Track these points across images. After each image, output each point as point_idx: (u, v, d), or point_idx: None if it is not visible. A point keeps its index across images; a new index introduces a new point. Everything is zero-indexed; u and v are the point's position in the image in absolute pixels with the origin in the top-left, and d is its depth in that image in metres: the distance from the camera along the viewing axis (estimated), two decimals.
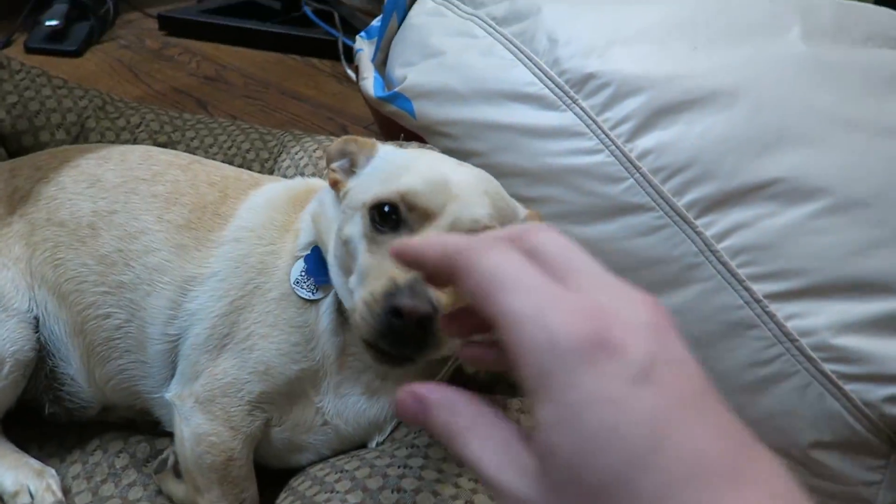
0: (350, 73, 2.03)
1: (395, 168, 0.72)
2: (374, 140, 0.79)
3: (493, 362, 0.38)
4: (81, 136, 1.14)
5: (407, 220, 0.66)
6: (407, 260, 0.39)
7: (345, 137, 0.80)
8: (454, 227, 0.65)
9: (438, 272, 0.37)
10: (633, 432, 0.28)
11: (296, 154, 1.17)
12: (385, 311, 0.59)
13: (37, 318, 0.81)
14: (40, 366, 0.82)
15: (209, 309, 0.78)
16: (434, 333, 0.59)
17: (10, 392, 0.81)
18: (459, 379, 0.89)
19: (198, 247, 0.81)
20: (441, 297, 0.60)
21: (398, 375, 0.79)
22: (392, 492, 0.70)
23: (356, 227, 0.69)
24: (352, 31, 2.15)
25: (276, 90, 1.97)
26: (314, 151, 1.15)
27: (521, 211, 0.76)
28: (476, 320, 0.39)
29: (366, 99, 1.32)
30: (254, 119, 1.79)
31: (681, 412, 0.29)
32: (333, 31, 2.15)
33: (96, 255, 0.81)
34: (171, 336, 0.80)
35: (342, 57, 2.09)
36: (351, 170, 0.78)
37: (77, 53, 1.96)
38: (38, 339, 0.82)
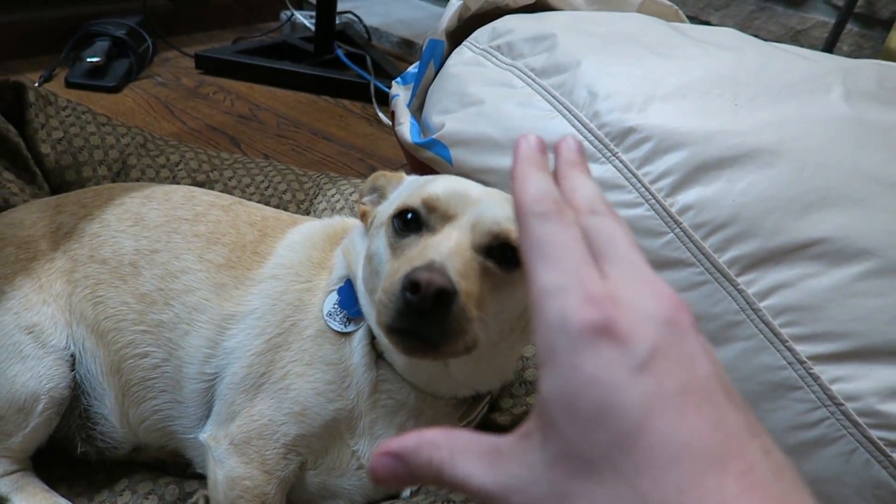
0: (381, 115, 2.06)
1: (419, 184, 0.75)
2: (402, 173, 0.81)
3: (415, 462, 0.36)
4: (123, 172, 1.16)
5: (427, 222, 0.67)
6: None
7: (375, 174, 0.82)
8: (475, 227, 0.65)
9: None
10: (623, 414, 0.30)
11: (332, 196, 1.18)
12: (402, 288, 0.59)
13: (73, 356, 0.81)
14: (74, 404, 0.82)
15: (246, 347, 0.78)
16: (454, 314, 0.58)
17: (42, 429, 0.80)
18: (492, 429, 0.88)
19: (237, 285, 0.81)
20: (463, 281, 0.59)
21: (430, 416, 0.78)
22: None
23: (380, 241, 0.71)
24: (383, 75, 2.19)
25: (308, 130, 2.00)
26: (350, 195, 1.16)
27: None
28: None
29: (401, 144, 1.33)
30: (286, 158, 1.81)
31: (674, 402, 0.30)
32: (365, 75, 2.18)
33: (137, 294, 0.82)
34: (207, 375, 0.79)
35: (374, 99, 2.12)
36: (380, 201, 0.80)
37: (116, 89, 2.00)
38: (74, 377, 0.81)
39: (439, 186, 0.70)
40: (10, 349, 0.78)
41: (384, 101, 2.09)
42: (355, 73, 2.21)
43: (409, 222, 0.69)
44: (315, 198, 1.20)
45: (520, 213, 0.38)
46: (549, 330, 0.33)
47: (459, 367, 0.73)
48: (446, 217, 0.68)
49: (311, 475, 0.78)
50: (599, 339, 0.32)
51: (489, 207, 0.68)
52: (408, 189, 0.76)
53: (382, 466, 0.35)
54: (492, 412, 0.87)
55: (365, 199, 0.81)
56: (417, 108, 1.43)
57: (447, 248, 0.63)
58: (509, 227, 0.67)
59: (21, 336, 0.78)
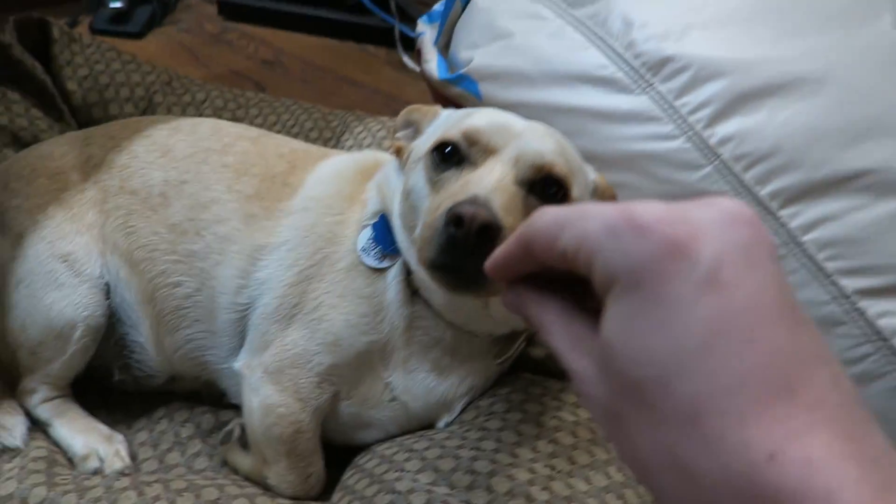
0: (407, 60, 2.03)
1: (458, 117, 0.73)
2: (438, 107, 0.79)
3: (528, 312, 0.39)
4: (149, 110, 1.15)
5: (468, 156, 0.66)
6: (499, 270, 0.39)
7: (409, 108, 0.80)
8: (518, 161, 0.64)
9: (524, 262, 0.37)
10: (683, 334, 0.28)
11: (359, 134, 1.16)
12: (445, 223, 0.58)
13: (108, 285, 0.82)
14: (110, 333, 0.83)
15: (278, 278, 0.77)
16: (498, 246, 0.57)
17: (80, 357, 0.81)
18: (529, 364, 0.87)
19: (267, 216, 0.80)
20: (507, 216, 0.58)
21: (466, 353, 0.78)
22: (465, 473, 0.68)
23: (418, 176, 0.69)
24: (407, 19, 2.14)
25: (333, 76, 1.97)
26: (378, 132, 1.14)
27: (591, 173, 0.75)
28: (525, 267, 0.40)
29: (428, 82, 1.30)
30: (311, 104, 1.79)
31: (742, 321, 0.28)
32: (389, 19, 2.14)
33: (167, 224, 0.81)
34: (240, 305, 0.79)
35: (398, 44, 2.08)
36: (415, 136, 0.78)
37: (139, 36, 1.98)
38: (109, 305, 0.82)
39: (481, 118, 0.68)
40: (45, 277, 0.78)
41: (409, 46, 2.04)
42: (379, 17, 2.17)
43: (449, 156, 0.67)
44: (342, 136, 1.18)
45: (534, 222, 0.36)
46: (607, 255, 0.31)
47: (499, 305, 0.72)
48: (488, 150, 0.66)
49: (345, 405, 0.78)
50: (663, 254, 0.30)
51: (532, 140, 0.66)
52: (446, 122, 0.74)
53: (509, 300, 0.39)
54: (527, 346, 0.87)
55: (399, 134, 0.79)
56: (444, 46, 1.39)
57: (490, 183, 0.62)
58: (554, 159, 0.65)
59: (56, 264, 0.78)
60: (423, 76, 1.34)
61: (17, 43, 1.05)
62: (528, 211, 0.63)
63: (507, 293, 0.39)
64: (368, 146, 1.11)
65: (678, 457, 0.28)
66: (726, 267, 0.29)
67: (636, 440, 0.30)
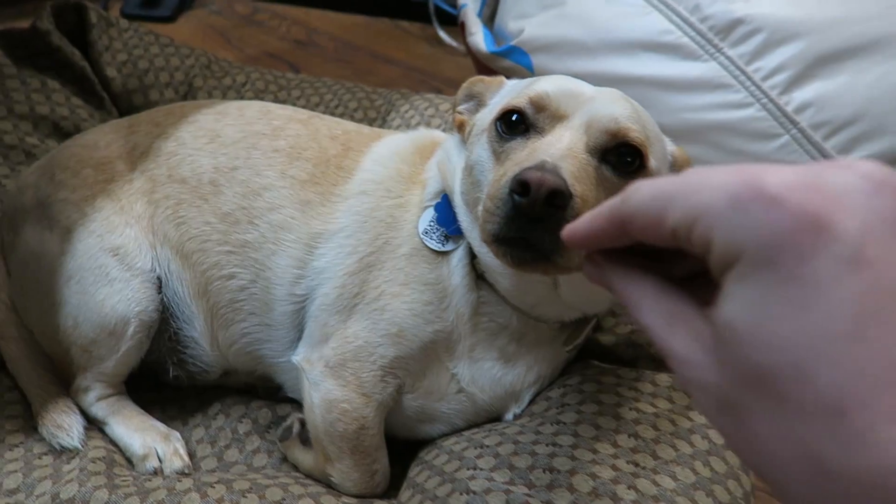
0: (443, 35, 1.96)
1: (524, 84, 0.68)
2: (502, 77, 0.75)
3: (614, 286, 0.37)
4: (190, 95, 1.12)
5: (536, 123, 0.62)
6: (580, 241, 0.37)
7: (470, 80, 0.75)
8: (590, 127, 0.59)
9: (613, 238, 0.35)
10: (826, 319, 0.25)
11: (405, 113, 1.11)
12: (510, 191, 0.54)
13: (160, 279, 0.79)
14: (164, 328, 0.80)
15: (338, 266, 0.74)
16: (568, 217, 0.52)
17: (134, 353, 0.79)
18: (597, 351, 0.83)
19: (323, 202, 0.76)
20: (577, 184, 0.54)
21: (533, 340, 0.74)
22: (543, 472, 0.64)
23: (482, 148, 0.65)
24: None
25: (367, 53, 1.92)
26: (425, 109, 1.09)
27: (669, 144, 0.69)
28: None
29: (474, 56, 1.25)
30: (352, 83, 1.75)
31: (893, 304, 0.25)
32: None
33: (219, 213, 0.78)
34: (297, 297, 0.76)
35: (433, 18, 2.01)
36: (477, 109, 0.73)
37: (171, 19, 1.95)
38: (162, 299, 0.79)
39: (548, 84, 0.64)
40: (96, 272, 0.75)
41: (444, 20, 1.98)
42: None
43: (515, 124, 0.63)
44: (388, 115, 1.14)
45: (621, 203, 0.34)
46: (729, 229, 0.28)
47: (570, 287, 0.67)
48: (556, 117, 0.61)
49: (409, 399, 0.74)
50: (799, 229, 0.27)
51: (606, 105, 0.61)
52: (511, 91, 0.69)
53: (591, 271, 0.38)
54: (595, 332, 0.82)
55: (460, 108, 0.74)
56: (488, 18, 1.33)
57: (559, 150, 0.57)
58: (629, 125, 0.60)
59: (106, 259, 0.76)
60: (468, 50, 1.29)
61: (56, 29, 1.02)
62: (600, 182, 0.58)
63: (589, 265, 0.37)
64: (416, 125, 1.06)
65: (813, 451, 0.25)
66: (873, 242, 0.26)
67: (759, 430, 0.28)
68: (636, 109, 0.64)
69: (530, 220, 0.54)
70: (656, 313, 0.33)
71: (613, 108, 0.61)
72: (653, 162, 0.62)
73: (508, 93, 0.70)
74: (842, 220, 0.26)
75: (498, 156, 0.63)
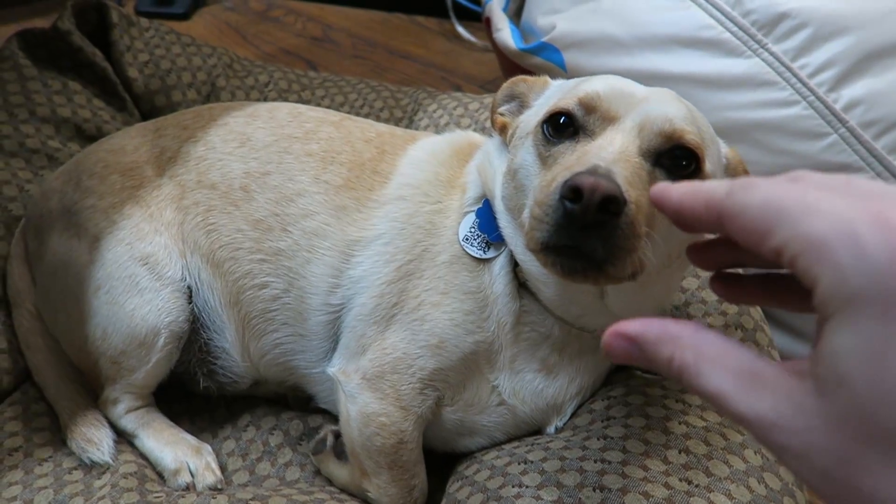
0: (461, 30, 1.93)
1: (572, 84, 0.65)
2: (546, 77, 0.72)
3: (637, 355, 0.34)
4: (213, 95, 1.09)
5: (585, 125, 0.59)
6: (666, 208, 0.35)
7: (512, 79, 0.72)
8: (643, 129, 0.57)
9: (701, 223, 0.33)
10: None
11: (433, 112, 1.08)
12: (560, 197, 0.51)
13: (190, 288, 0.76)
14: (194, 338, 0.78)
15: (375, 275, 0.71)
16: (623, 227, 0.50)
17: (164, 364, 0.76)
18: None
19: (359, 208, 0.74)
20: (631, 190, 0.51)
21: (575, 350, 0.71)
22: (594, 490, 0.61)
23: (527, 152, 0.63)
24: None
25: (384, 50, 1.89)
26: (454, 109, 1.06)
27: (723, 146, 0.66)
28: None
29: (501, 52, 1.22)
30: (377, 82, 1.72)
31: None
32: None
33: (251, 220, 0.75)
34: (333, 306, 0.73)
35: (451, 13, 1.98)
36: (520, 110, 0.70)
37: (185, 16, 1.93)
38: (192, 309, 0.76)
39: (599, 84, 0.61)
40: (126, 282, 0.73)
41: (462, 14, 1.95)
42: None
43: (563, 127, 0.60)
44: (415, 115, 1.11)
45: (723, 200, 0.32)
46: (841, 276, 0.26)
47: (618, 297, 0.65)
48: (608, 118, 0.58)
49: (449, 412, 0.72)
50: None
51: (659, 105, 0.58)
52: (559, 91, 0.66)
53: (617, 347, 0.34)
54: None
55: (502, 109, 0.71)
56: (515, 13, 1.30)
57: (611, 153, 0.55)
58: (684, 126, 0.57)
59: (136, 268, 0.73)
60: (494, 47, 1.26)
61: (77, 29, 1.00)
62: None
63: (616, 339, 0.34)
64: (446, 125, 1.04)
65: None
66: None
67: (880, 492, 0.25)
68: (690, 110, 0.61)
69: (582, 227, 0.51)
70: (724, 376, 0.29)
71: (667, 109, 0.58)
72: (708, 165, 0.59)
73: (555, 93, 0.67)
74: None
75: (544, 160, 0.60)
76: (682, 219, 0.34)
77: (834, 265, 0.26)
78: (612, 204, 0.50)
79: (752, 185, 0.30)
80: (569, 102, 0.59)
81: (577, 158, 0.56)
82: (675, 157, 0.58)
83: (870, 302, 0.25)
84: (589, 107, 0.59)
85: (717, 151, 0.63)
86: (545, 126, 0.61)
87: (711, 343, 0.31)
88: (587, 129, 0.59)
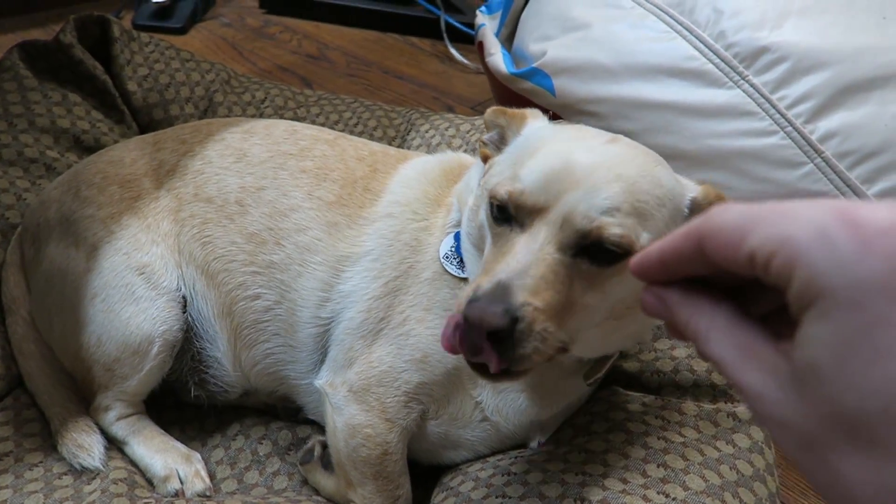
0: (454, 52, 1.97)
1: (526, 152, 0.61)
2: (524, 112, 0.69)
3: (678, 317, 0.36)
4: (210, 110, 1.12)
5: (517, 217, 0.57)
6: (653, 271, 0.36)
7: (494, 109, 0.71)
8: (565, 223, 0.54)
9: (682, 258, 0.34)
10: None
11: (426, 132, 1.11)
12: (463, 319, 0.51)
13: (185, 298, 0.78)
14: (186, 347, 0.79)
15: (363, 291, 0.73)
16: (517, 334, 0.50)
17: (156, 372, 0.78)
18: (622, 378, 0.82)
19: (350, 224, 0.76)
20: (534, 298, 0.51)
21: (557, 371, 0.72)
22: (575, 501, 0.63)
23: (484, 212, 0.62)
24: (453, 9, 2.08)
25: (379, 69, 1.93)
26: (446, 129, 1.09)
27: (690, 190, 0.61)
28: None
29: (493, 76, 1.25)
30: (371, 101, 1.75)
31: None
32: (435, 10, 2.08)
33: (245, 233, 0.77)
34: (322, 319, 0.75)
35: (445, 35, 2.02)
36: (500, 144, 0.69)
37: (182, 31, 1.95)
38: (186, 319, 0.78)
39: (531, 174, 0.57)
40: (122, 291, 0.75)
41: (455, 37, 1.99)
42: (423, 8, 2.11)
43: (501, 211, 0.58)
44: (407, 134, 1.13)
45: (697, 230, 0.33)
46: (814, 269, 0.27)
47: (583, 345, 0.62)
48: (535, 211, 0.56)
49: (433, 425, 0.73)
50: (889, 270, 0.26)
51: (587, 194, 0.55)
52: (519, 150, 0.64)
53: (650, 302, 0.37)
54: (619, 358, 0.82)
55: (485, 137, 0.71)
56: (507, 38, 1.34)
57: (520, 262, 0.53)
58: (603, 221, 0.54)
59: (133, 277, 0.75)
60: (486, 70, 1.29)
61: (78, 42, 1.02)
62: (576, 276, 0.55)
63: (648, 295, 0.36)
64: (438, 145, 1.06)
65: None
66: None
67: (844, 472, 0.27)
68: (629, 185, 0.56)
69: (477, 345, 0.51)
70: (727, 345, 0.32)
71: (594, 199, 0.54)
72: (644, 241, 0.55)
73: (518, 148, 0.65)
74: None
75: (493, 232, 0.60)
76: (669, 266, 0.35)
77: (806, 262, 0.28)
78: (499, 332, 0.50)
79: (728, 207, 0.32)
80: (503, 194, 0.57)
81: (494, 259, 0.56)
82: (600, 247, 0.55)
83: (840, 294, 0.27)
84: (516, 204, 0.57)
85: (666, 214, 0.58)
86: (491, 205, 0.59)
87: (724, 315, 0.33)
88: (518, 221, 0.57)
